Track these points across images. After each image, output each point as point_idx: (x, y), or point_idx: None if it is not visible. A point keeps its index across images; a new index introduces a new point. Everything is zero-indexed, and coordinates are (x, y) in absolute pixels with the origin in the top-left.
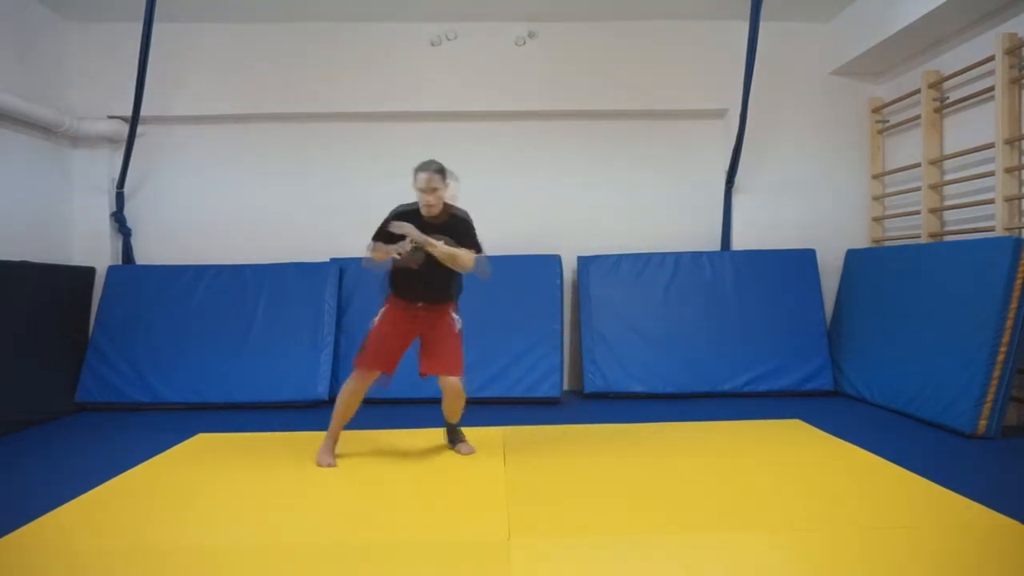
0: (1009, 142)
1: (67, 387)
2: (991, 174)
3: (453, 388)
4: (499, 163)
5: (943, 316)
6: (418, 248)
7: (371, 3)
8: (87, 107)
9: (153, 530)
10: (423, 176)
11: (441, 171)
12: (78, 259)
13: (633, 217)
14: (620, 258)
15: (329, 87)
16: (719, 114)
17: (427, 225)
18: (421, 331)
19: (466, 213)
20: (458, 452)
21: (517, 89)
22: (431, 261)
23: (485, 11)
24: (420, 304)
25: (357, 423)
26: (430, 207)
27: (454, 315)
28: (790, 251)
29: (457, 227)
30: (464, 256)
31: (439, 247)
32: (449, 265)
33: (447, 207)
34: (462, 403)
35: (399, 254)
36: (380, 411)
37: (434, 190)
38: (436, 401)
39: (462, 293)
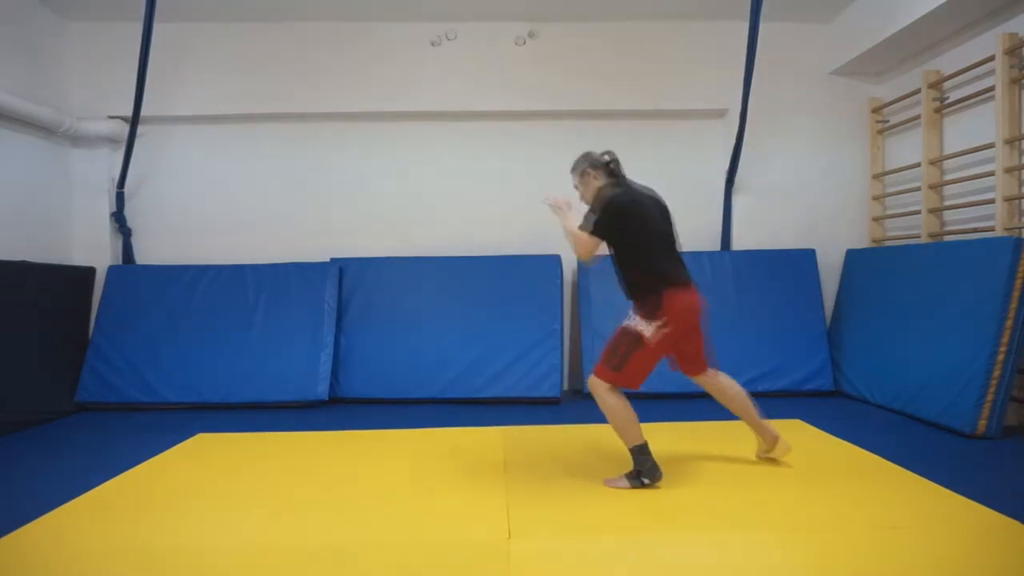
0: (1009, 142)
1: (67, 387)
2: (991, 174)
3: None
4: (499, 162)
5: (943, 316)
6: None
7: (371, 3)
8: (87, 107)
9: (153, 530)
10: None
11: (576, 168)
12: (78, 259)
13: None
14: None
15: (329, 87)
16: (719, 114)
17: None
18: None
19: (608, 199)
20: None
21: (517, 89)
22: (613, 253)
23: (485, 11)
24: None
25: (357, 423)
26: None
27: (638, 315)
28: (790, 251)
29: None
30: (575, 234)
31: (564, 219)
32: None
33: (600, 193)
34: (607, 411)
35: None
36: (380, 411)
37: (576, 187)
38: (435, 401)
39: (654, 294)
